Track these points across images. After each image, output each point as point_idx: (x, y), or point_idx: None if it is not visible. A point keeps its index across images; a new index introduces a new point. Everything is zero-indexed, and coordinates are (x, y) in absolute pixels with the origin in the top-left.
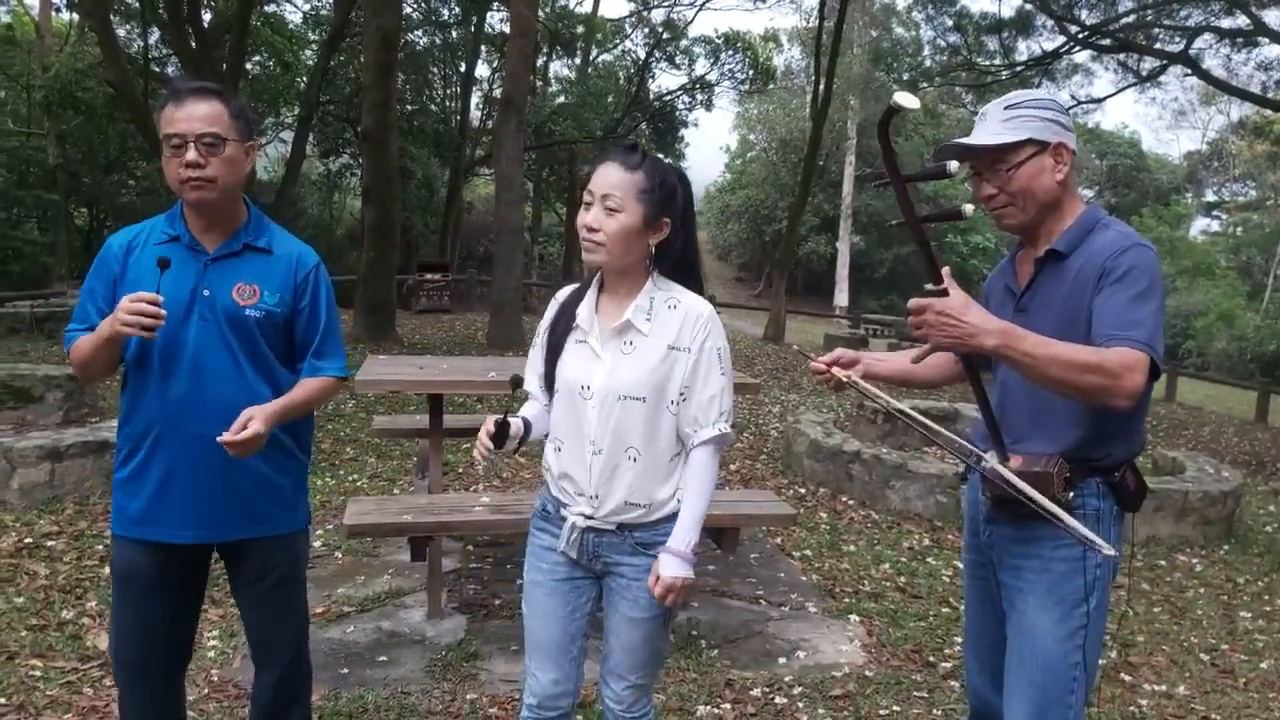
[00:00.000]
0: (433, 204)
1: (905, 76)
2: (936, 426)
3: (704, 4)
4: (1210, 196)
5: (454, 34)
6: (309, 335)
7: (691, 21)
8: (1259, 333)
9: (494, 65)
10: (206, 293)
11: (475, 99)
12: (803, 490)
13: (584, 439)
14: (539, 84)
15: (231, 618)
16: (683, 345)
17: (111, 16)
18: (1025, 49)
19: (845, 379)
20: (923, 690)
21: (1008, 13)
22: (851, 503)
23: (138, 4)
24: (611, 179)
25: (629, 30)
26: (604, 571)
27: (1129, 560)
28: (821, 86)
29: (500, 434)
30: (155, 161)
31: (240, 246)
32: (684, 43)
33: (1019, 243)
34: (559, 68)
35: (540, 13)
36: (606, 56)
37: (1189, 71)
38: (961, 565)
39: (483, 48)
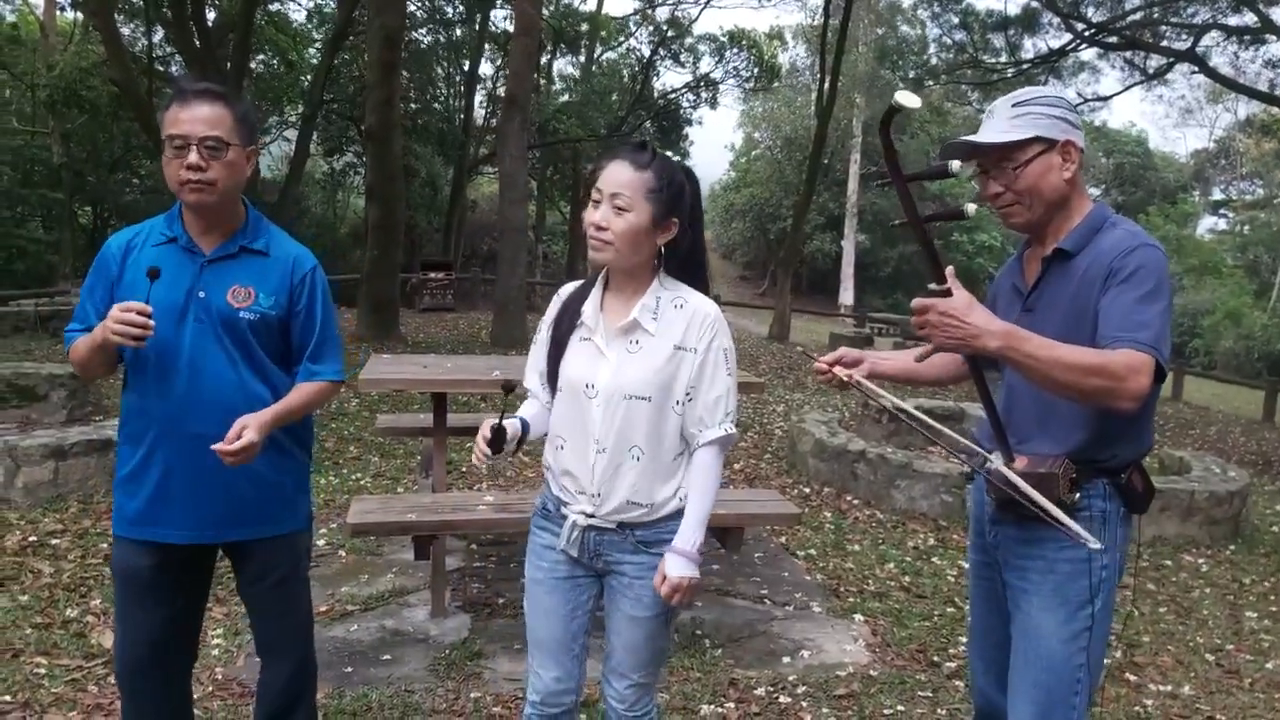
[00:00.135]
0: (436, 202)
1: (911, 74)
2: (940, 427)
3: (709, 2)
4: (1217, 195)
5: (458, 32)
6: (305, 338)
7: (696, 19)
8: (1266, 331)
9: (498, 63)
10: (202, 294)
11: (479, 97)
12: (807, 489)
13: (588, 437)
14: (543, 82)
15: (236, 616)
16: (689, 345)
17: (116, 15)
18: (1031, 47)
19: (846, 378)
20: (927, 690)
21: (1014, 10)
22: (856, 502)
23: (142, 2)
24: (620, 178)
25: (633, 28)
26: (605, 570)
27: (1134, 560)
28: (827, 84)
29: (497, 439)
30: (159, 160)
31: (237, 249)
32: (689, 40)
33: (1026, 241)
34: (563, 66)
35: (544, 10)
36: (611, 54)
37: (1196, 69)
38: (967, 565)
39: (486, 46)
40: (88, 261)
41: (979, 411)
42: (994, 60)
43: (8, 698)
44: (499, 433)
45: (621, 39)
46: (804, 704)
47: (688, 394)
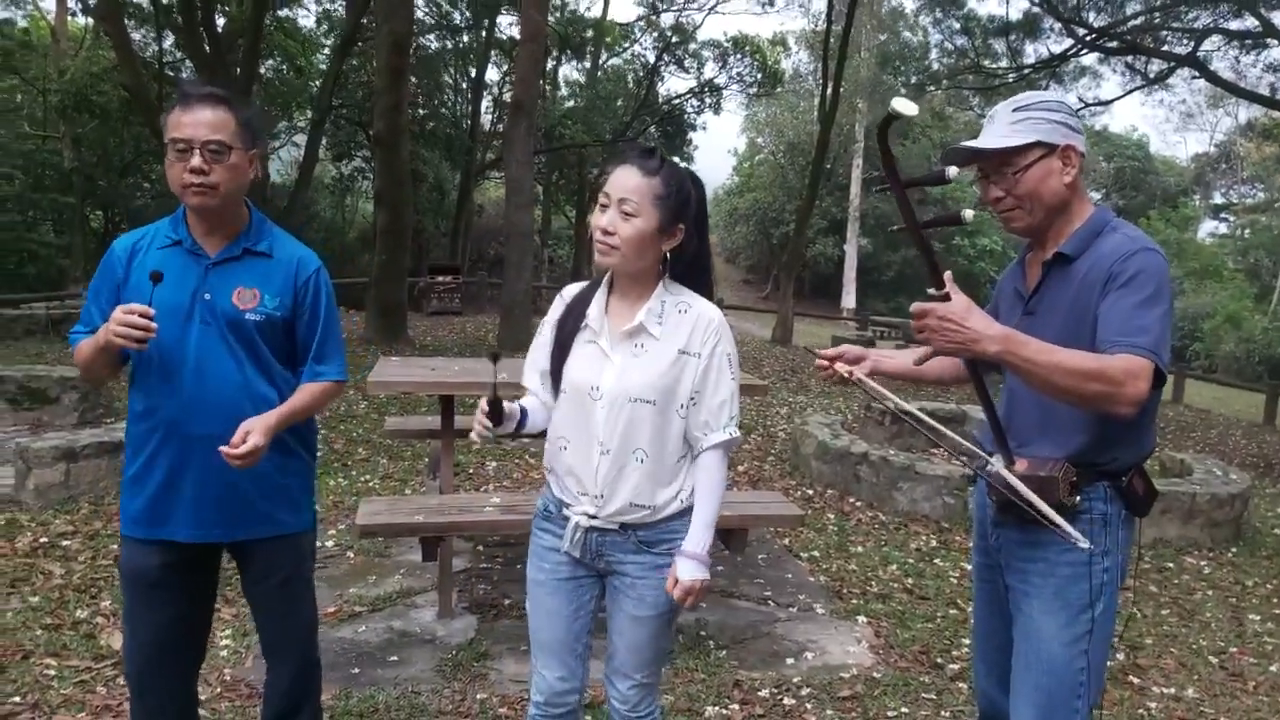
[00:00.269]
0: (444, 207)
1: (913, 79)
2: (941, 428)
3: (713, 8)
4: (1218, 199)
5: (465, 39)
6: (309, 338)
7: (700, 25)
8: (1267, 335)
9: (504, 69)
10: (207, 296)
11: (486, 103)
12: (810, 491)
13: (592, 439)
14: (549, 88)
15: (244, 617)
16: (693, 350)
17: (127, 21)
18: (1033, 51)
19: (847, 374)
20: (930, 692)
21: (1015, 15)
22: (859, 504)
23: (152, 8)
24: (629, 183)
25: (638, 34)
26: (607, 570)
27: (1136, 563)
28: (829, 90)
29: (495, 412)
30: None
31: (241, 251)
32: (693, 46)
33: (1028, 245)
34: (569, 71)
35: (550, 17)
36: (616, 60)
37: (1197, 74)
38: (970, 567)
39: (493, 52)
40: (98, 265)
41: (980, 414)
42: (995, 65)
43: (17, 699)
44: (496, 406)
45: (627, 45)
46: (808, 705)
47: (692, 399)
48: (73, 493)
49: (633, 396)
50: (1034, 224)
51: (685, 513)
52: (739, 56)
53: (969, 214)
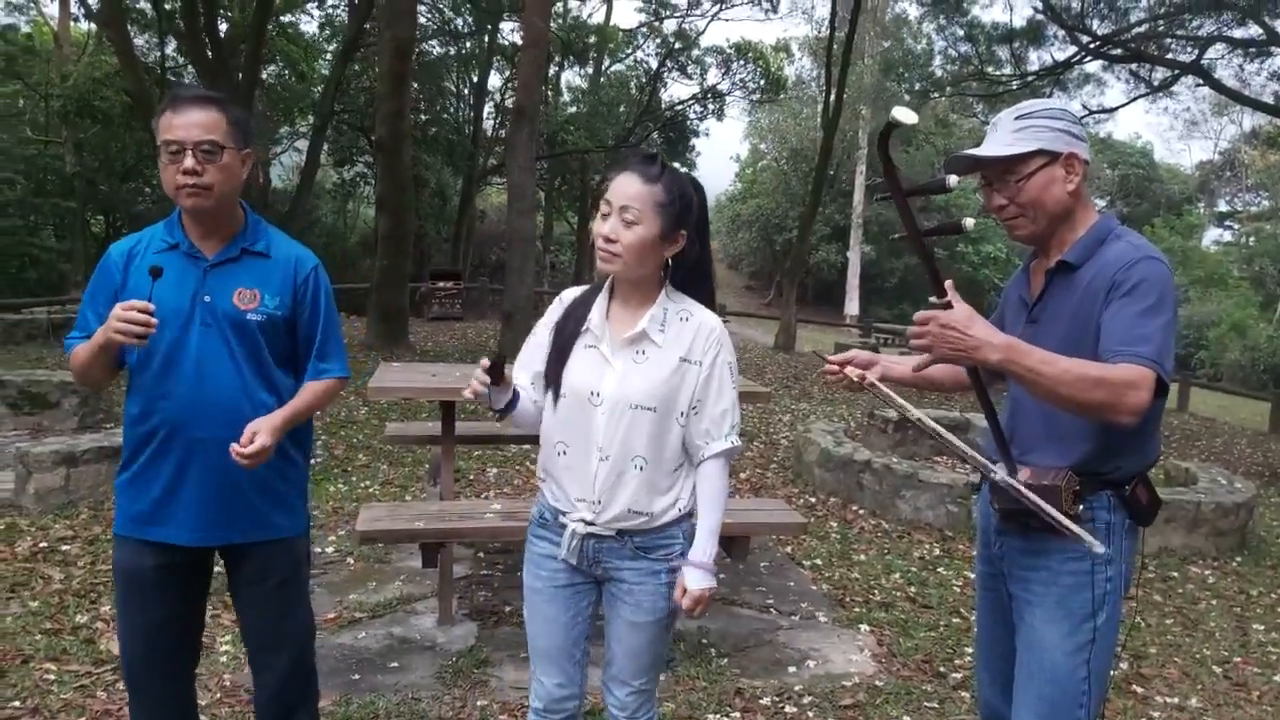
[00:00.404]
0: (445, 212)
1: (917, 86)
2: (948, 435)
3: (716, 14)
4: (1223, 207)
5: (467, 45)
6: (311, 336)
7: (703, 32)
8: (1272, 343)
9: (506, 75)
10: (207, 299)
11: (488, 108)
12: (813, 499)
13: (591, 445)
14: (551, 94)
15: None
16: (694, 359)
17: (129, 26)
18: (1036, 59)
19: (857, 379)
20: (933, 700)
21: (1019, 23)
22: (862, 512)
23: (155, 14)
24: (630, 190)
25: (641, 40)
26: (604, 577)
27: (1140, 571)
28: (833, 96)
29: (496, 372)
30: None
31: (238, 252)
32: (696, 53)
33: (1033, 253)
34: (571, 77)
35: (553, 23)
36: (619, 66)
37: (1201, 81)
38: (974, 576)
39: (495, 58)
40: (94, 271)
41: (984, 422)
42: (999, 72)
43: (17, 703)
44: (498, 365)
45: (629, 51)
46: (810, 714)
47: (694, 407)
48: (72, 497)
49: (633, 403)
50: (1037, 232)
51: (682, 520)
52: (742, 63)
53: (970, 222)
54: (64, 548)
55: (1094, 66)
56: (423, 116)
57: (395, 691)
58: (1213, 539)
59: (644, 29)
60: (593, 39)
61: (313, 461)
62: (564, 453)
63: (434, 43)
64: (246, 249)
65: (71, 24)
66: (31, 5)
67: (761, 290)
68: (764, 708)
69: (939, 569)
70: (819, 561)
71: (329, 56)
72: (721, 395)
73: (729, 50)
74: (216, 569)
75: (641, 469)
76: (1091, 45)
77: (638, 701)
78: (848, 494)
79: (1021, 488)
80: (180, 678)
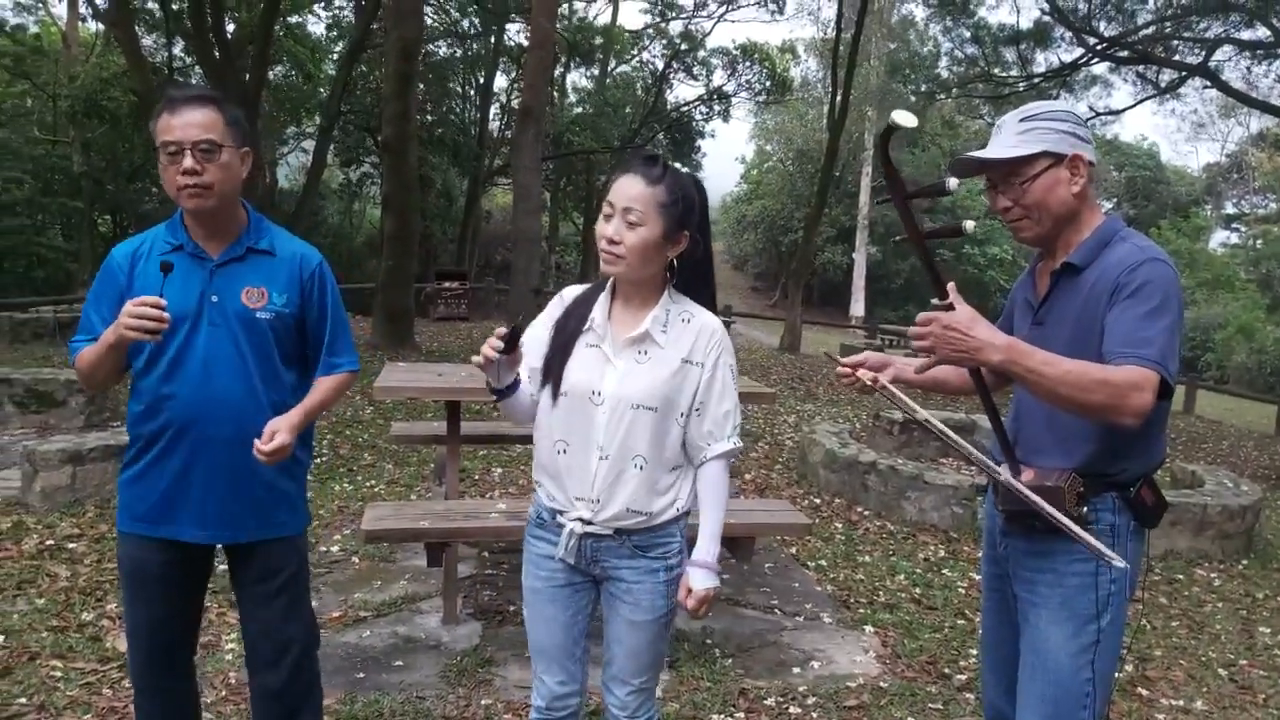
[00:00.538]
0: (451, 213)
1: (923, 88)
2: (956, 437)
3: (722, 16)
4: (1230, 209)
5: (474, 46)
6: (320, 332)
7: (709, 33)
8: (1278, 346)
9: (512, 76)
10: (215, 298)
11: (494, 109)
12: (818, 500)
13: (591, 444)
14: (557, 95)
15: None
16: (696, 360)
17: (137, 27)
18: (1043, 60)
19: (870, 381)
20: (937, 702)
21: (1026, 24)
22: (867, 513)
23: (163, 14)
24: (632, 191)
25: (647, 41)
26: (603, 576)
27: (1145, 574)
28: (838, 97)
29: (512, 341)
30: None
31: (244, 251)
32: (702, 54)
33: (1038, 255)
34: (577, 78)
35: (559, 24)
36: (624, 67)
37: (1208, 83)
38: (979, 577)
39: (501, 59)
40: (97, 274)
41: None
42: (1006, 74)
43: (23, 700)
44: (515, 335)
45: (635, 52)
46: (814, 714)
47: (696, 409)
48: (79, 495)
49: (635, 403)
50: (1042, 234)
51: (680, 519)
52: (748, 64)
53: (970, 225)
54: (70, 545)
55: (1101, 68)
56: (429, 117)
57: (400, 690)
58: (1219, 542)
59: (650, 30)
60: (599, 40)
61: (319, 460)
62: (564, 451)
63: (440, 44)
64: (251, 248)
65: (79, 24)
66: (40, 5)
67: (767, 291)
68: (768, 708)
69: (944, 570)
70: (824, 562)
71: (335, 57)
72: (724, 397)
73: (735, 51)
74: (221, 567)
75: (641, 468)
76: (1098, 47)
77: (638, 700)
78: (853, 495)
79: (1027, 491)
80: (184, 673)
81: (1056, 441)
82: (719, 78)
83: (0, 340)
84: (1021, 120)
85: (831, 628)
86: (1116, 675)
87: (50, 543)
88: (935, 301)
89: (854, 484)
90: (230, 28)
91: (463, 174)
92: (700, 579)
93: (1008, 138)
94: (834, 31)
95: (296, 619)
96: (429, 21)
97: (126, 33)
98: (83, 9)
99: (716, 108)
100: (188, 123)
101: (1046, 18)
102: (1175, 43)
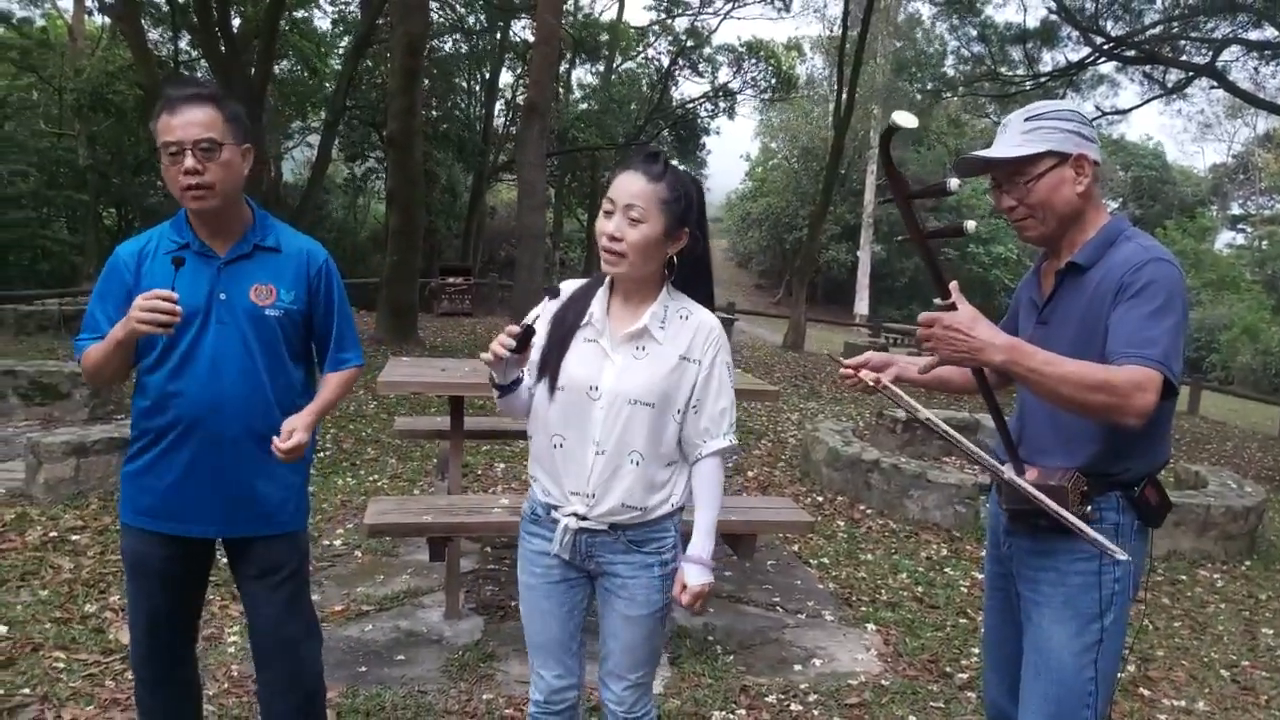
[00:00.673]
0: (456, 208)
1: (929, 86)
2: (959, 436)
3: (728, 13)
4: (1236, 210)
5: (479, 41)
6: (328, 328)
7: (715, 30)
8: None
9: (518, 72)
10: (223, 296)
11: (499, 105)
12: (820, 498)
13: (587, 439)
14: (562, 91)
15: None
16: (694, 357)
17: (143, 20)
18: (1050, 60)
19: (872, 382)
20: (939, 700)
21: (1033, 23)
22: (869, 511)
23: (169, 8)
24: (634, 188)
25: (652, 38)
26: (597, 571)
27: (1149, 574)
28: (844, 95)
29: (524, 340)
30: None
31: (250, 248)
32: (707, 51)
33: (1043, 254)
34: (582, 74)
35: (564, 20)
36: (630, 64)
37: (1215, 84)
38: (983, 576)
39: (507, 55)
40: (102, 272)
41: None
42: (1012, 73)
43: (27, 690)
44: (528, 334)
45: (641, 49)
46: (815, 712)
47: (693, 406)
48: (82, 488)
49: (632, 398)
50: (1047, 233)
51: (675, 514)
52: (753, 61)
53: (971, 225)
54: (74, 537)
55: (1108, 68)
56: (434, 113)
57: (402, 684)
58: (1222, 543)
59: (655, 27)
60: (604, 36)
61: (322, 455)
62: (560, 445)
63: (446, 39)
64: (258, 245)
65: (85, 17)
66: None
67: (771, 289)
68: (769, 705)
69: (946, 569)
70: (826, 560)
71: (341, 52)
72: (721, 394)
73: (741, 49)
74: (223, 560)
75: (637, 464)
76: (1105, 46)
77: (634, 695)
78: (855, 493)
79: (1031, 489)
80: (186, 665)
81: (1060, 441)
82: (724, 75)
83: (5, 333)
84: (1027, 119)
85: (833, 625)
86: (1119, 675)
87: (54, 535)
88: (937, 301)
89: (857, 482)
90: (236, 22)
91: (467, 170)
92: (695, 575)
93: (1013, 137)
94: (840, 29)
95: (299, 613)
96: (435, 17)
97: (132, 26)
98: (89, 2)
99: (722, 105)
100: (188, 122)
101: (1053, 17)
102: (1182, 42)
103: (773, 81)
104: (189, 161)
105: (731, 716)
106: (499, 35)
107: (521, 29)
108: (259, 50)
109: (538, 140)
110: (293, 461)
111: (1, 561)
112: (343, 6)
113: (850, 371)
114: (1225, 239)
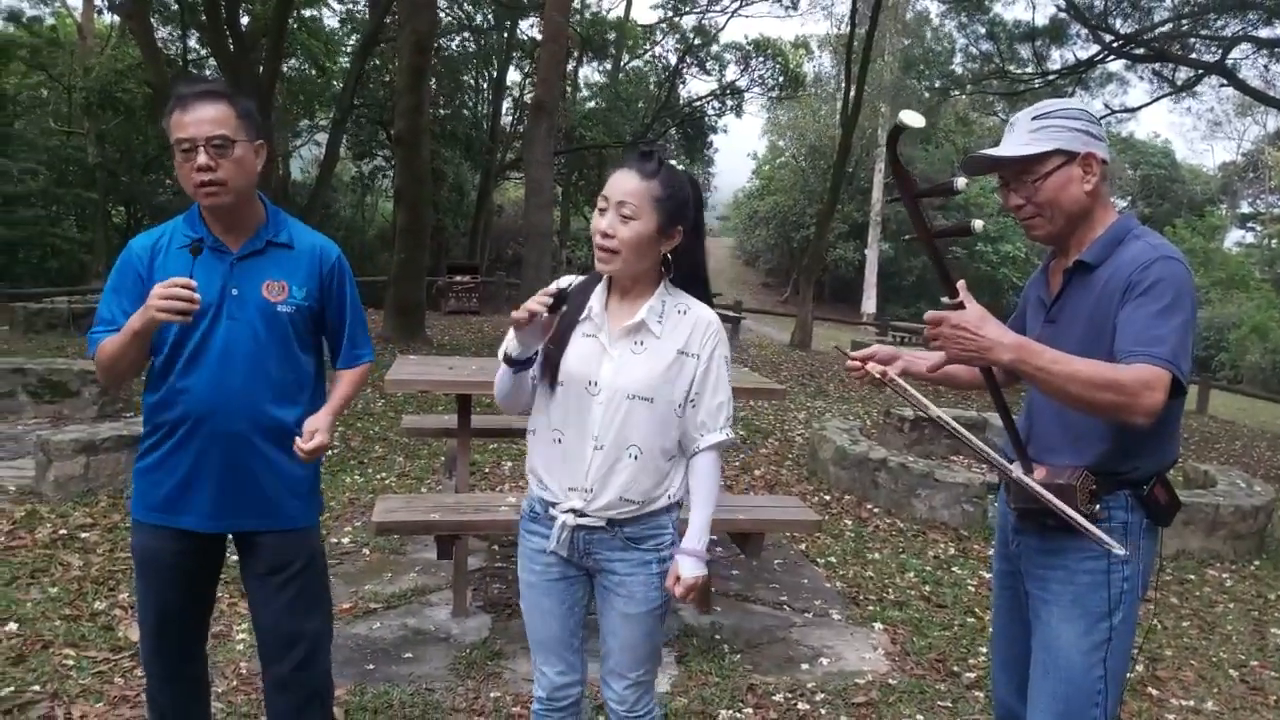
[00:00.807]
0: (463, 207)
1: (937, 84)
2: (968, 434)
3: (735, 11)
4: (1245, 208)
5: (487, 40)
6: (340, 325)
7: (723, 28)
8: None
9: (525, 70)
10: (235, 292)
11: (506, 103)
12: (828, 497)
13: (586, 433)
14: (569, 89)
15: None
16: (692, 351)
17: (152, 19)
18: (1059, 57)
19: (880, 375)
20: (946, 700)
21: (1041, 21)
22: (877, 510)
23: (177, 7)
24: (627, 186)
25: (660, 36)
26: (596, 569)
27: (1158, 574)
28: (852, 94)
29: (559, 300)
30: None
31: (263, 244)
32: (715, 49)
33: (1051, 253)
34: (590, 73)
35: (572, 18)
36: (637, 62)
37: (1225, 82)
38: (991, 575)
39: (514, 53)
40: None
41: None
42: (1020, 71)
43: (37, 687)
44: (561, 299)
45: (648, 47)
46: (822, 711)
47: (691, 400)
48: (92, 485)
49: (630, 393)
50: (1055, 232)
51: (672, 508)
52: (761, 59)
53: (978, 224)
54: (83, 535)
55: (1117, 65)
56: (442, 111)
57: (409, 682)
58: (1231, 542)
59: (663, 25)
60: (612, 34)
61: (330, 453)
62: (559, 440)
63: (454, 37)
64: (271, 241)
65: (95, 16)
66: None
67: (778, 287)
68: (776, 704)
69: (954, 568)
70: (833, 559)
71: (349, 50)
72: (719, 389)
73: (748, 47)
74: (233, 557)
75: (636, 458)
76: (1114, 44)
77: (636, 694)
78: (863, 492)
79: (1038, 487)
80: (195, 660)
81: (1069, 439)
82: (732, 73)
83: (15, 330)
84: (1034, 118)
85: (840, 624)
86: (1127, 674)
87: (63, 532)
88: (945, 300)
89: (864, 481)
90: (244, 20)
91: (475, 168)
92: (689, 567)
93: (1021, 135)
94: (848, 27)
95: (306, 611)
96: (442, 15)
97: (141, 25)
98: (98, 1)
99: (729, 103)
100: (200, 119)
101: (1062, 14)
102: (1192, 40)
103: (780, 79)
104: (202, 158)
105: (739, 715)
106: (506, 33)
107: (529, 27)
108: (267, 48)
109: (545, 138)
110: (313, 460)
111: (11, 559)
112: (351, 5)
113: (857, 364)
114: (1234, 237)
